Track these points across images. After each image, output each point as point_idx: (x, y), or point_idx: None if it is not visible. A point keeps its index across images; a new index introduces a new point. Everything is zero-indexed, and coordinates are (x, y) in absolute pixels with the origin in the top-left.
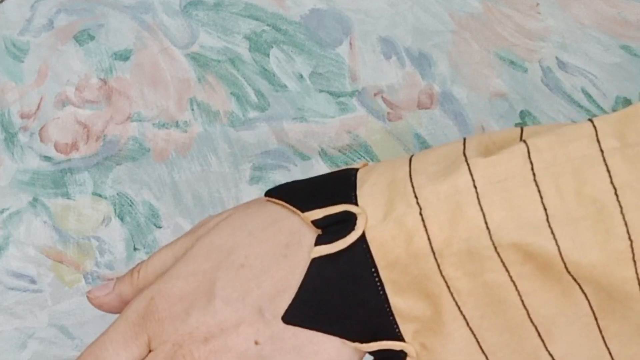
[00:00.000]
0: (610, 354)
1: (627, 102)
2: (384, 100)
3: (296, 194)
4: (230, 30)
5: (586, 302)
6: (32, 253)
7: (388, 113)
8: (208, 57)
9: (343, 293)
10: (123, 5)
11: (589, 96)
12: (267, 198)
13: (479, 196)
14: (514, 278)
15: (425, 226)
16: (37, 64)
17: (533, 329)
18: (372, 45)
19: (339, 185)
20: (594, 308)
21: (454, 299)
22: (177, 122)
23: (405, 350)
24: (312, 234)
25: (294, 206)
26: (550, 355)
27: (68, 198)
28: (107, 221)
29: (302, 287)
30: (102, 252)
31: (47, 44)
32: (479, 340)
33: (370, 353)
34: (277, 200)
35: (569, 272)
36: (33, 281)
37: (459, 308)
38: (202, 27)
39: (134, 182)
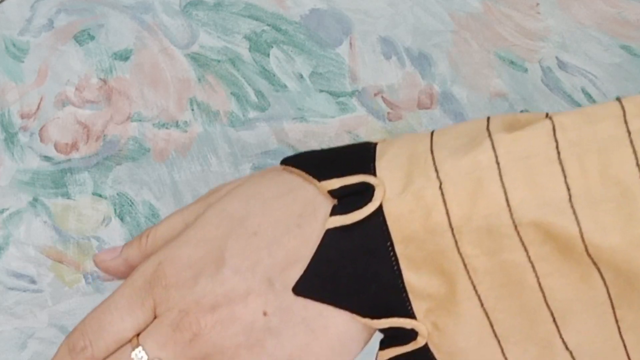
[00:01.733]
0: (624, 346)
1: None
2: (384, 100)
3: (313, 163)
4: (230, 30)
5: (604, 288)
6: (32, 253)
7: (388, 113)
8: (208, 57)
9: (356, 266)
10: (123, 5)
11: (589, 96)
12: (283, 166)
13: (501, 173)
14: (532, 258)
15: (444, 201)
16: (37, 64)
17: (548, 313)
18: (372, 45)
19: (358, 156)
20: (612, 296)
21: (470, 278)
22: (177, 122)
23: (417, 329)
24: (328, 204)
25: (310, 175)
26: (564, 342)
27: (68, 198)
28: (107, 221)
29: (314, 258)
30: None
31: (47, 44)
32: (492, 322)
33: (380, 330)
34: (293, 169)
35: (589, 255)
36: (33, 281)
37: (474, 287)
38: (202, 27)
39: (134, 182)
